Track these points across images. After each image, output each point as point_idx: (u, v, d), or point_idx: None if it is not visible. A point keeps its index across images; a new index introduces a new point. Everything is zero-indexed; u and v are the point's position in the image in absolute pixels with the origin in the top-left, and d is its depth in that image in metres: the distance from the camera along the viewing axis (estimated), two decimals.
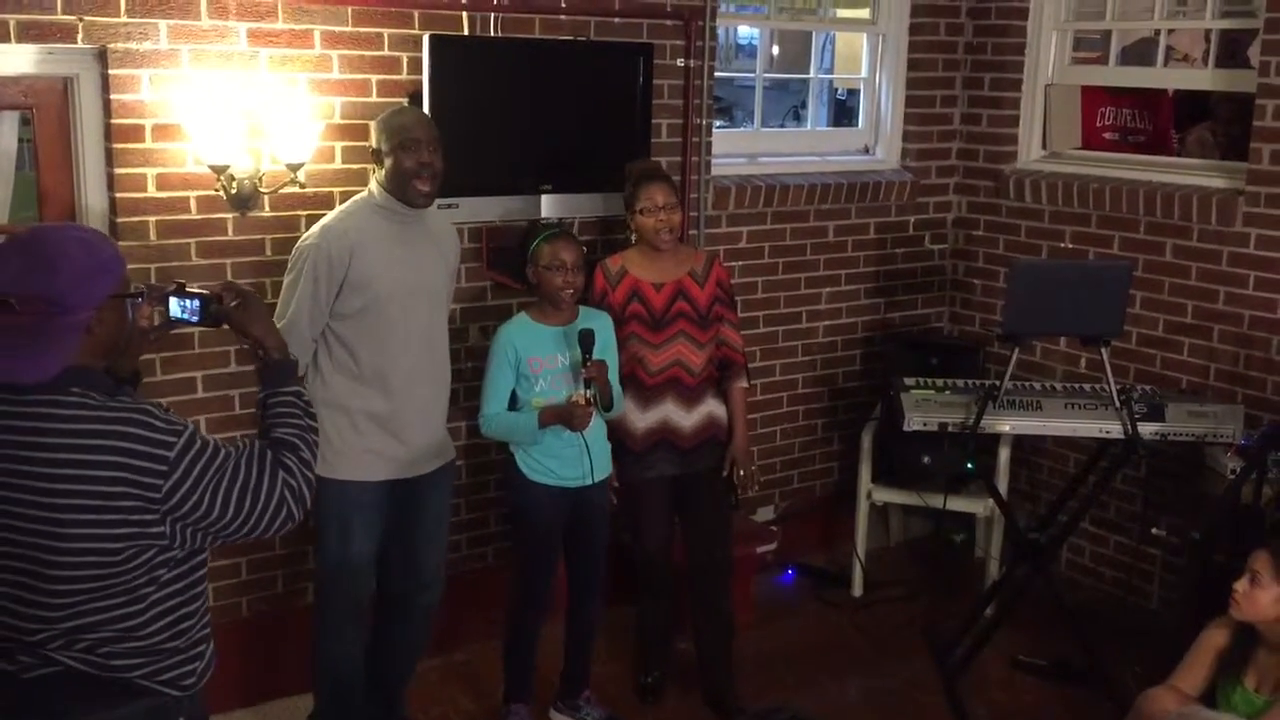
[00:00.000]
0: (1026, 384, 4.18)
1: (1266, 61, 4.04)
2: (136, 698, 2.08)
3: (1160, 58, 4.69)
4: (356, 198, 3.32)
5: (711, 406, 3.78)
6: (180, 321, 2.28)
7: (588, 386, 3.39)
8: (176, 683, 2.12)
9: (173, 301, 2.26)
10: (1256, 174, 4.10)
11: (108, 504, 1.97)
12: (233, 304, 2.28)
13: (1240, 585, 3.06)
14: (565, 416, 3.42)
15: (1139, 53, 5.04)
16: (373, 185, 3.27)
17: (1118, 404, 3.80)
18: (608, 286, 3.72)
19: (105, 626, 2.03)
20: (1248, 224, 4.15)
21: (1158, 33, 4.67)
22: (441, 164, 3.24)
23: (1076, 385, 4.15)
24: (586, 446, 3.47)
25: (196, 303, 2.26)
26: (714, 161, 4.46)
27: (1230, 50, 4.67)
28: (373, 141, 3.26)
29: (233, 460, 2.06)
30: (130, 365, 2.22)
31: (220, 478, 2.03)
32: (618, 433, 3.73)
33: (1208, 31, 4.64)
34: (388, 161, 3.20)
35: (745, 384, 3.87)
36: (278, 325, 3.21)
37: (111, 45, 3.29)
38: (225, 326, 2.32)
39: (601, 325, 3.52)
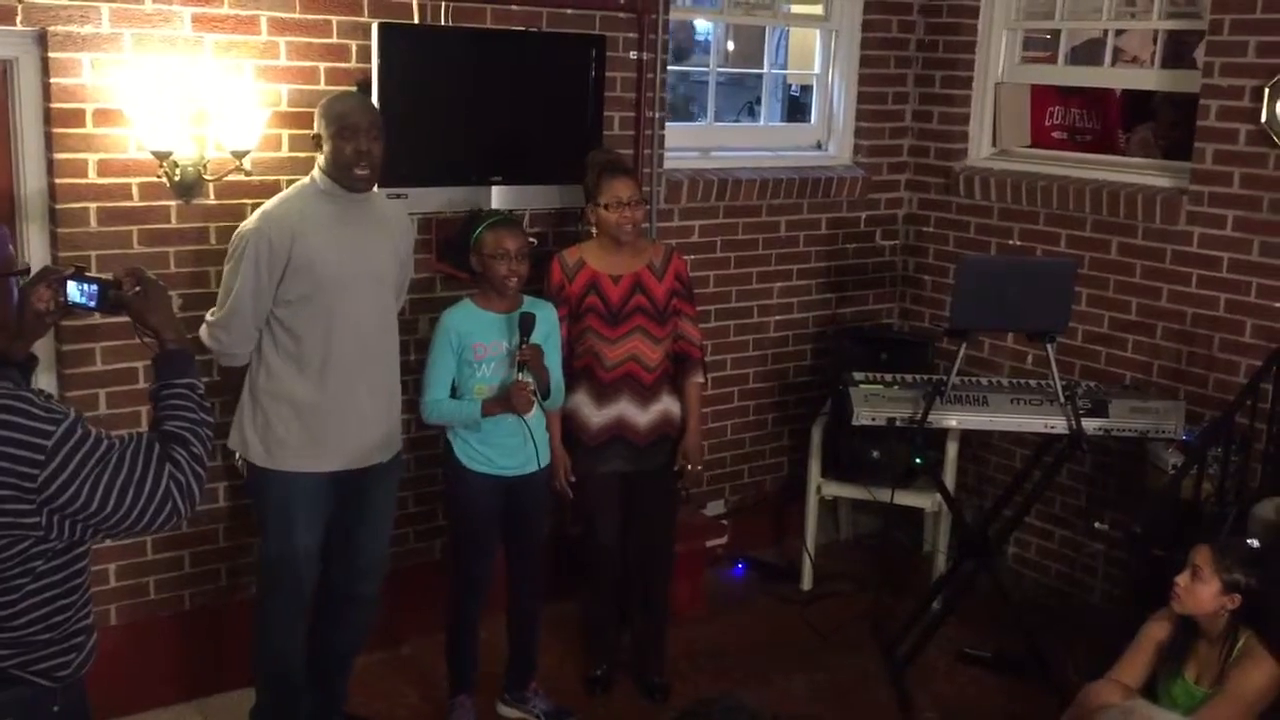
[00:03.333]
0: (974, 379, 4.22)
1: (1210, 62, 4.10)
2: (5, 687, 2.03)
3: (1108, 58, 4.74)
4: (298, 183, 3.29)
5: (667, 404, 3.78)
6: (78, 307, 2.20)
7: (521, 369, 3.38)
8: (50, 674, 2.07)
9: (71, 285, 2.18)
10: (1199, 173, 4.16)
11: None
12: (133, 291, 2.20)
13: (1182, 579, 3.10)
14: (506, 400, 3.41)
15: (1088, 53, 5.10)
16: (315, 170, 3.24)
17: (1062, 399, 3.84)
18: (565, 279, 3.70)
19: None
20: (1191, 223, 4.21)
21: (1106, 33, 4.72)
22: (381, 150, 3.21)
23: (1023, 381, 4.19)
24: (530, 432, 3.46)
25: (95, 288, 2.18)
26: (667, 155, 4.45)
27: (1177, 52, 4.73)
28: (315, 126, 3.23)
29: (116, 452, 1.98)
30: (24, 349, 2.15)
31: (101, 470, 1.96)
32: (571, 426, 3.72)
33: (1155, 33, 4.69)
34: (327, 147, 3.18)
35: (701, 379, 3.88)
36: (218, 314, 3.19)
37: (52, 28, 3.22)
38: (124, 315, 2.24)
39: (544, 315, 3.51)
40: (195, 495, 2.07)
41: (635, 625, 4.00)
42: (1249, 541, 3.19)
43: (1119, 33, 4.87)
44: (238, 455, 3.35)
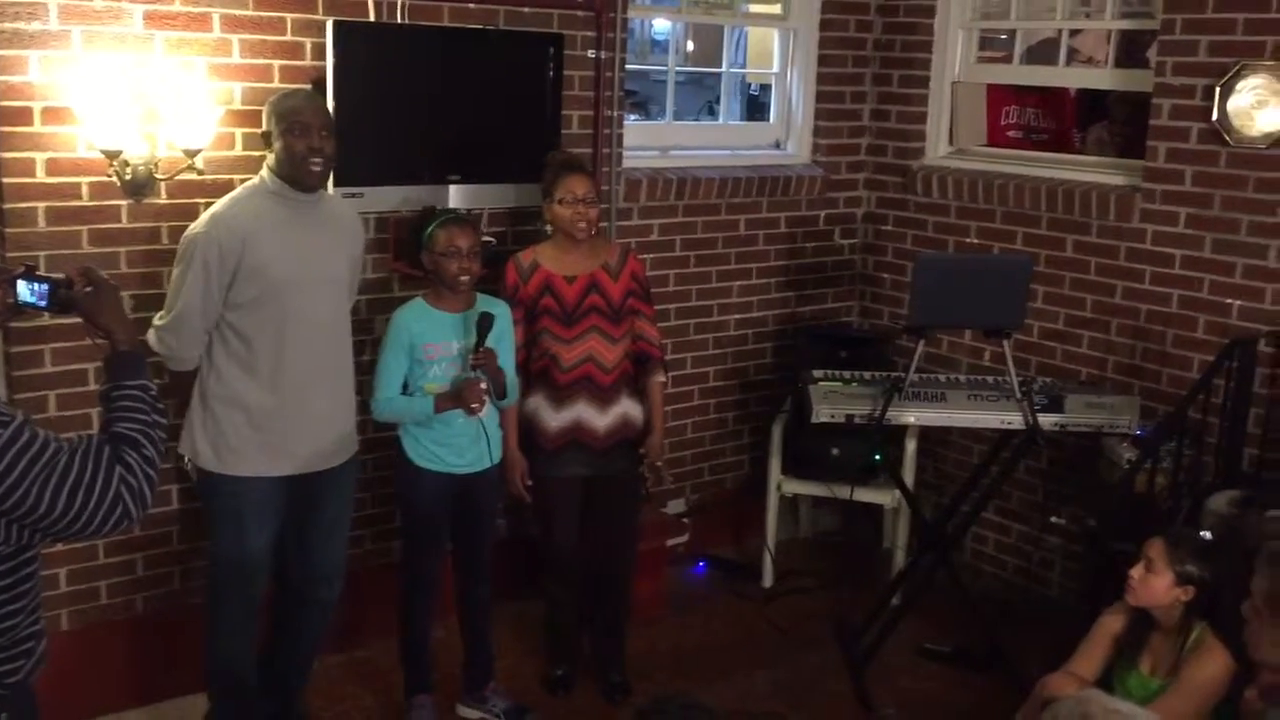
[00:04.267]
0: (932, 376, 4.24)
1: (1163, 61, 4.15)
2: None
3: (1063, 57, 4.79)
4: (247, 184, 3.25)
5: (625, 407, 3.76)
6: (28, 306, 2.17)
7: (474, 372, 3.37)
8: None
9: (20, 285, 2.15)
10: (1152, 171, 4.21)
11: None
12: (84, 290, 2.17)
13: (1136, 572, 3.13)
14: (458, 396, 3.40)
15: (1043, 53, 5.14)
16: (264, 170, 3.20)
17: (1019, 395, 3.87)
18: (519, 281, 3.68)
19: None
20: (1144, 220, 4.25)
21: (1061, 33, 4.76)
22: (333, 148, 3.18)
23: (980, 377, 4.22)
24: (484, 428, 3.45)
25: (45, 287, 2.15)
26: (625, 154, 4.45)
27: (1130, 51, 4.79)
28: (263, 124, 3.20)
29: (65, 454, 1.95)
30: None
31: (49, 472, 1.92)
32: (529, 429, 3.70)
33: (1109, 33, 4.74)
34: (277, 145, 3.14)
35: (663, 378, 3.87)
36: (166, 318, 3.14)
37: None
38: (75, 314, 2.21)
39: (499, 314, 3.49)
40: (147, 498, 2.04)
41: (595, 625, 3.99)
42: (1202, 534, 3.23)
43: (1073, 33, 4.92)
44: (187, 459, 3.31)
